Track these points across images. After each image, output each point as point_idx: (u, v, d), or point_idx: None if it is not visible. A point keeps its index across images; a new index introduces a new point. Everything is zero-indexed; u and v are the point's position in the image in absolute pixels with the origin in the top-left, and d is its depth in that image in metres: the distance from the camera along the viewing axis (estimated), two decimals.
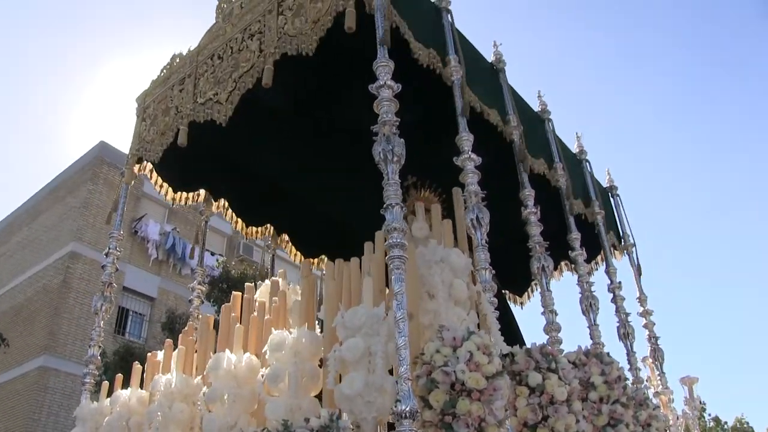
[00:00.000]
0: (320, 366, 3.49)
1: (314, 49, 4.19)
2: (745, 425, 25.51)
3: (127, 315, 18.59)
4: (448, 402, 2.92)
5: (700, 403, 7.16)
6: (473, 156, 4.14)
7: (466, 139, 4.21)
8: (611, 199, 6.93)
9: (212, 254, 19.11)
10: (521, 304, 7.16)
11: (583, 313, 5.10)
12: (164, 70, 5.62)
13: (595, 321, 5.03)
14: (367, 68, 3.81)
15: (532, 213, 4.74)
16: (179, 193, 5.80)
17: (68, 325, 17.14)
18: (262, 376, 3.48)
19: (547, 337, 4.32)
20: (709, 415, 24.43)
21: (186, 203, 5.87)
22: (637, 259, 6.56)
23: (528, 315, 7.17)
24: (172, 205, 5.85)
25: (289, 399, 3.23)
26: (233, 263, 17.96)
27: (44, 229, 19.66)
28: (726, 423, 25.51)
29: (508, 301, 7.00)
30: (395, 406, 2.72)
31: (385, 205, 3.29)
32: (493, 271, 3.82)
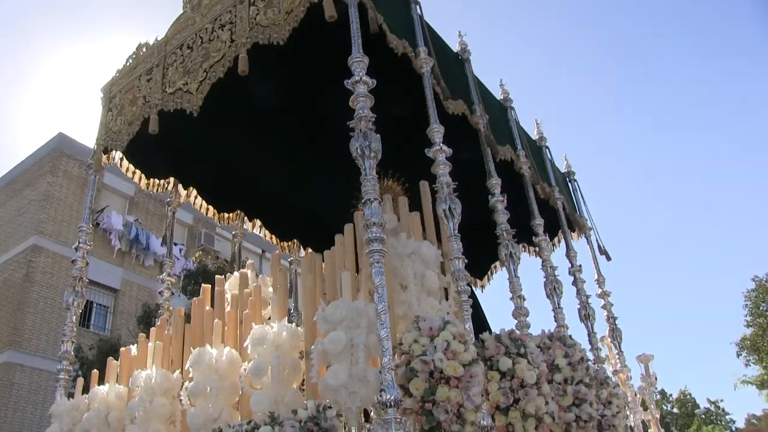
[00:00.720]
0: (300, 358, 3.58)
1: (286, 38, 4.23)
2: (688, 396, 27.03)
3: (92, 307, 18.31)
4: (428, 390, 3.04)
5: (656, 379, 7.49)
6: (444, 147, 4.24)
7: (437, 130, 4.29)
8: (569, 184, 7.14)
9: (174, 244, 18.95)
10: (482, 287, 7.36)
11: (548, 296, 5.28)
12: (130, 60, 5.55)
13: (559, 304, 5.21)
14: (340, 60, 3.87)
15: (499, 201, 4.87)
16: (151, 179, 5.78)
17: (33, 320, 16.79)
18: (244, 369, 3.54)
19: (516, 321, 4.48)
20: (656, 389, 25.78)
21: (157, 190, 5.85)
22: (599, 241, 6.80)
23: (488, 298, 7.36)
24: (142, 189, 5.80)
25: (273, 391, 3.31)
26: (196, 253, 17.91)
27: (1, 223, 19.15)
28: (671, 395, 26.96)
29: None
30: (380, 396, 2.82)
31: (363, 200, 3.36)
32: (466, 261, 3.94)
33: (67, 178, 18.74)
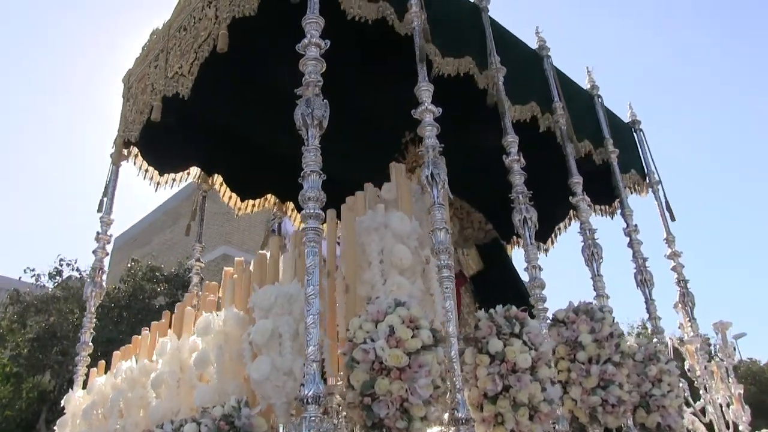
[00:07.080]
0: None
1: (255, 10, 3.96)
2: None
3: None
4: (368, 382, 2.69)
5: (734, 349, 6.59)
6: (431, 107, 3.82)
7: (425, 89, 3.89)
8: (634, 135, 6.36)
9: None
10: (545, 251, 6.80)
11: (586, 263, 4.69)
12: (144, 48, 5.54)
13: (598, 271, 4.59)
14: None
15: (514, 161, 4.35)
16: (166, 175, 5.71)
17: None
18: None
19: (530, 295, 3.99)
20: (734, 360, 23.79)
21: (178, 182, 5.82)
22: (665, 196, 6.00)
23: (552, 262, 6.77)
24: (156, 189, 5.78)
25: (218, 384, 3.10)
26: None
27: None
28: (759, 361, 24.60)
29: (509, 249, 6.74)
30: (299, 390, 2.53)
31: (302, 173, 3.06)
32: (450, 231, 3.50)
33: None
